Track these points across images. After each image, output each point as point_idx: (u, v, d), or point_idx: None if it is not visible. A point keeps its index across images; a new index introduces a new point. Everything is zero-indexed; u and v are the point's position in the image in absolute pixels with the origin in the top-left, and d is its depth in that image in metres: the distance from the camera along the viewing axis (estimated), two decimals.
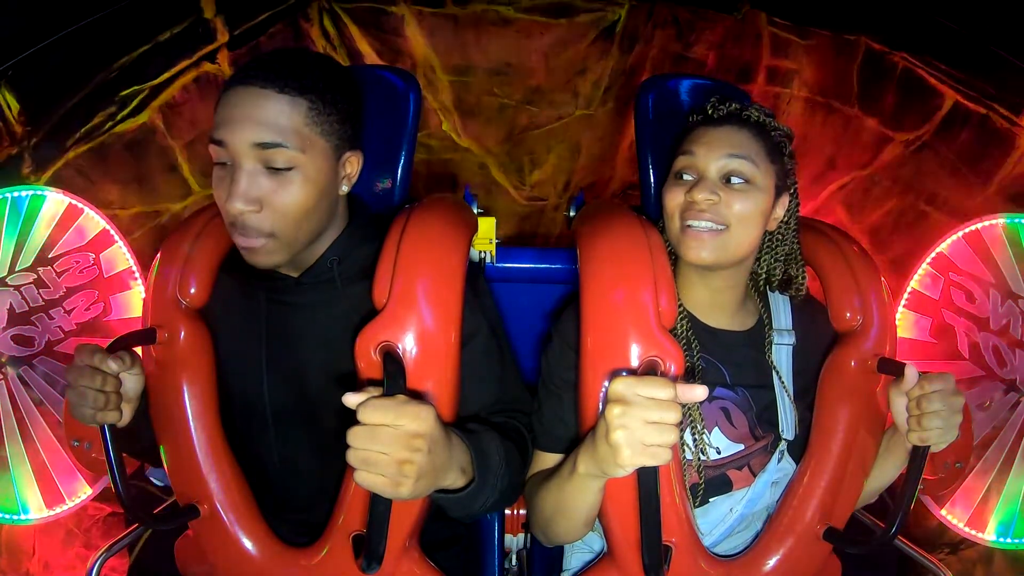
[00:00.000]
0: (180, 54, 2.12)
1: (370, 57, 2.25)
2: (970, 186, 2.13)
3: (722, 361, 1.18)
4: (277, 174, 0.98)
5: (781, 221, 1.18)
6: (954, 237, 1.99)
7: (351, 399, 0.83)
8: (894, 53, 2.14)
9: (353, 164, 1.08)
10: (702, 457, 1.13)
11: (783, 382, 1.17)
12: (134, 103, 2.10)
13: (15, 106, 1.96)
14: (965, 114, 2.11)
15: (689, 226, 1.10)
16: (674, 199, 1.13)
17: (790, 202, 1.18)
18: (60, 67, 1.98)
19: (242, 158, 0.97)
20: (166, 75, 2.11)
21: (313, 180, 1.01)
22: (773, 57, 2.27)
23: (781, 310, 1.24)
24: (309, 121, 0.98)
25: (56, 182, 2.03)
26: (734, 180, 1.10)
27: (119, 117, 2.10)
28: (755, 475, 1.15)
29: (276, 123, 0.96)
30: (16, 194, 1.92)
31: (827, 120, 2.27)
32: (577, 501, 1.02)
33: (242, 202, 0.97)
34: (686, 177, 1.13)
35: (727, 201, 1.09)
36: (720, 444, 1.14)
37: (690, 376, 1.14)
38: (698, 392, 0.86)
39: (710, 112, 1.16)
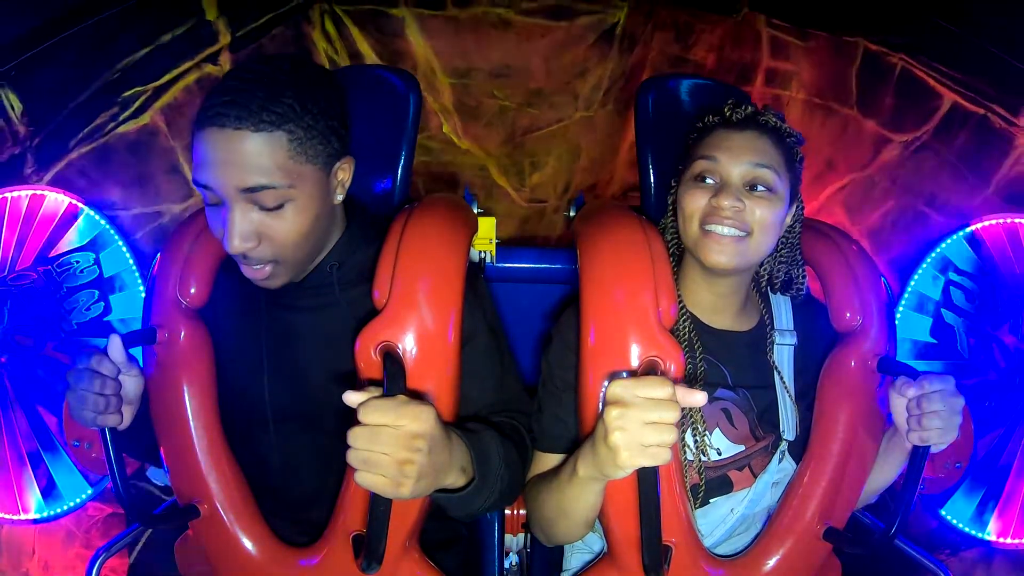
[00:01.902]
0: (182, 55, 2.13)
1: (370, 59, 2.26)
2: (969, 187, 2.13)
3: (724, 362, 1.17)
4: (269, 209, 0.98)
5: (787, 227, 1.18)
6: (954, 237, 2.00)
7: (352, 397, 0.83)
8: (892, 54, 2.14)
9: (345, 171, 1.06)
10: (703, 458, 1.13)
11: (784, 382, 1.17)
12: (136, 104, 2.11)
13: (18, 106, 1.98)
14: (964, 115, 2.11)
15: (710, 230, 1.10)
16: (695, 202, 1.12)
17: (797, 209, 1.19)
18: (63, 68, 1.99)
19: (231, 201, 0.96)
20: (168, 76, 2.12)
21: (306, 207, 1.00)
22: (772, 59, 2.27)
23: (782, 310, 1.24)
24: (292, 153, 0.96)
25: (58, 182, 2.04)
26: (758, 188, 1.10)
27: (122, 118, 2.11)
28: (756, 476, 1.15)
29: (258, 165, 0.94)
30: (16, 194, 1.92)
31: (826, 122, 2.27)
32: (577, 503, 1.01)
33: (239, 240, 0.97)
34: (708, 181, 1.12)
35: (750, 208, 1.09)
36: (721, 445, 1.14)
37: (693, 379, 1.14)
38: (698, 398, 0.86)
39: (728, 115, 1.15)
